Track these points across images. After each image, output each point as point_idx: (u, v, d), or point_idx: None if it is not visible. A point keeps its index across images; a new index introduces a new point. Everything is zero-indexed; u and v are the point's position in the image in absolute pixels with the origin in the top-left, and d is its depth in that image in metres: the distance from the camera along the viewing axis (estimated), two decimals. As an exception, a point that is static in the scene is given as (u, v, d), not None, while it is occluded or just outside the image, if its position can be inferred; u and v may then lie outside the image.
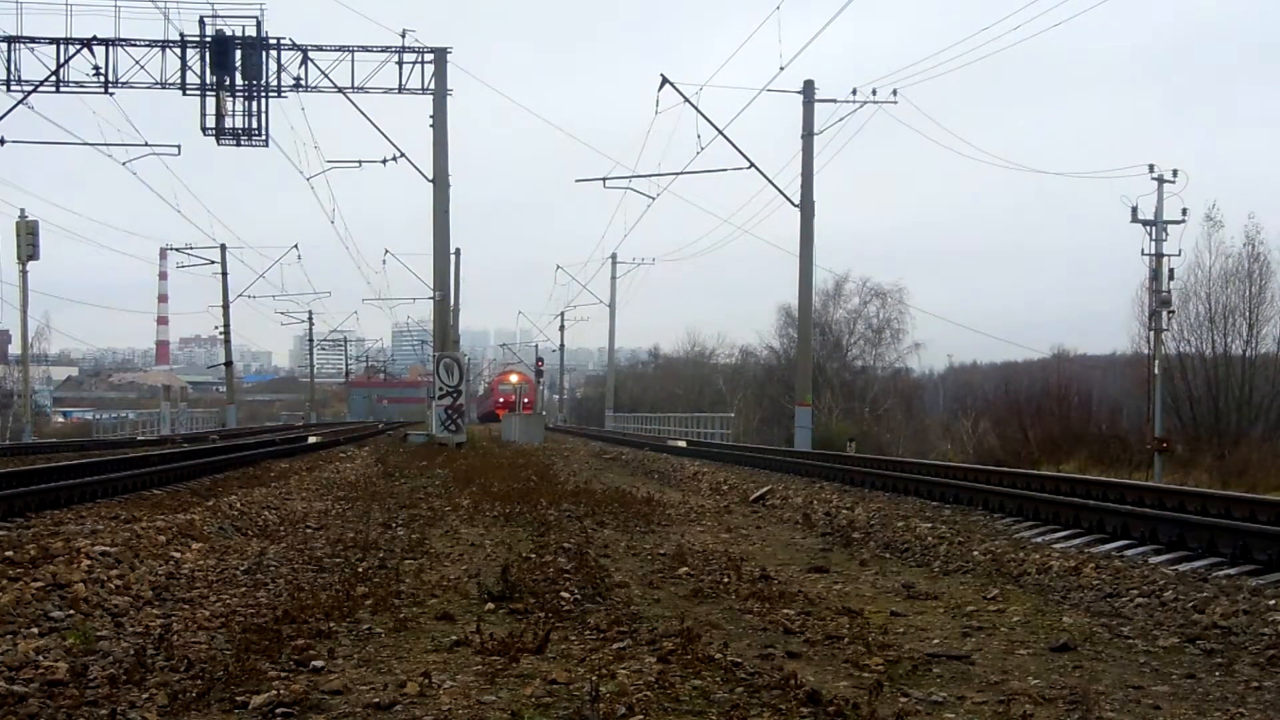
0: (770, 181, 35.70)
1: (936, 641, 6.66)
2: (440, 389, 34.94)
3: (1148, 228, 37.40)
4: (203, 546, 9.75)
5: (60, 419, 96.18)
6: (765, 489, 17.37)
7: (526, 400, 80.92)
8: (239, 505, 13.19)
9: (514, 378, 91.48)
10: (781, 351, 71.60)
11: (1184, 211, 37.58)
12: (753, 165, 35.22)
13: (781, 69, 31.98)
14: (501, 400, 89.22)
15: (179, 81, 33.11)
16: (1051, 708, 5.20)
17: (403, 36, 34.09)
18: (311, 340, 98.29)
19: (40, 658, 5.55)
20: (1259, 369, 43.24)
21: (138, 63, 33.02)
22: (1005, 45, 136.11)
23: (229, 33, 33.18)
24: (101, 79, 32.99)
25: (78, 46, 32.84)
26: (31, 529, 10.45)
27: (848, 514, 13.84)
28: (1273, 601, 7.71)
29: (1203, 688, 5.65)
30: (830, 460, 24.65)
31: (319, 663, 5.66)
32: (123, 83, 33.11)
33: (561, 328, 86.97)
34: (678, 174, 39.66)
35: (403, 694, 5.11)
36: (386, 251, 73.96)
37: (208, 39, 33.04)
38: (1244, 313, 43.75)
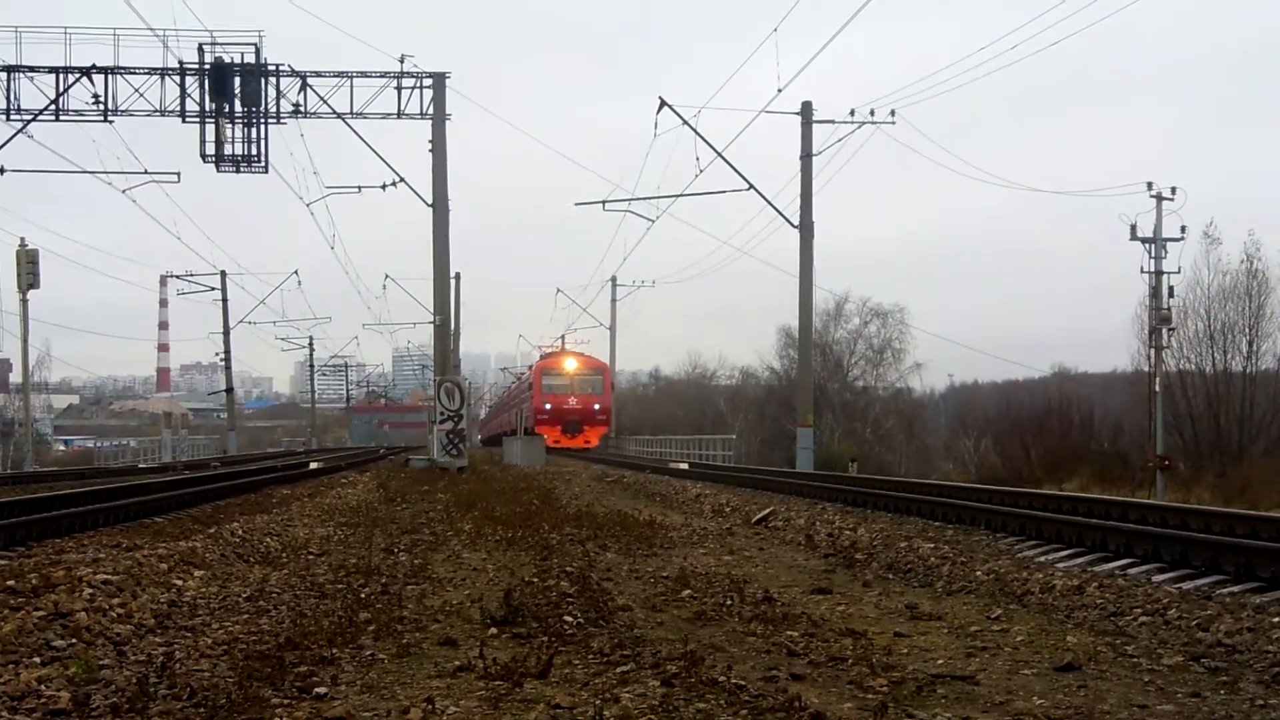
0: (769, 203, 35.79)
1: (941, 662, 6.65)
2: (441, 413, 34.95)
3: (1147, 245, 37.52)
4: (205, 574, 9.74)
5: (61, 447, 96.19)
6: (768, 510, 17.34)
7: (598, 406, 58.86)
8: (241, 532, 13.17)
9: (571, 362, 59.23)
10: (782, 372, 71.63)
11: (1183, 229, 37.74)
12: (752, 187, 35.32)
13: (779, 91, 32.16)
14: (549, 406, 56.48)
15: (178, 109, 33.26)
16: (1057, 728, 5.19)
17: (401, 62, 34.27)
18: (312, 366, 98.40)
19: (43, 687, 5.53)
20: (1259, 385, 43.31)
21: (137, 90, 33.17)
22: (1005, 64, 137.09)
23: (228, 60, 33.35)
24: (101, 107, 33.12)
25: (77, 75, 32.98)
26: (33, 558, 10.45)
27: (850, 535, 13.82)
28: (1277, 619, 7.69)
29: (1208, 706, 5.64)
30: (832, 481, 24.63)
31: (322, 689, 5.65)
32: (122, 110, 33.24)
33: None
34: (677, 196, 39.54)
35: (406, 720, 5.10)
36: (387, 277, 73.46)
37: (206, 66, 33.19)
38: (1243, 329, 43.91)
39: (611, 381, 62.98)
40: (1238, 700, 5.77)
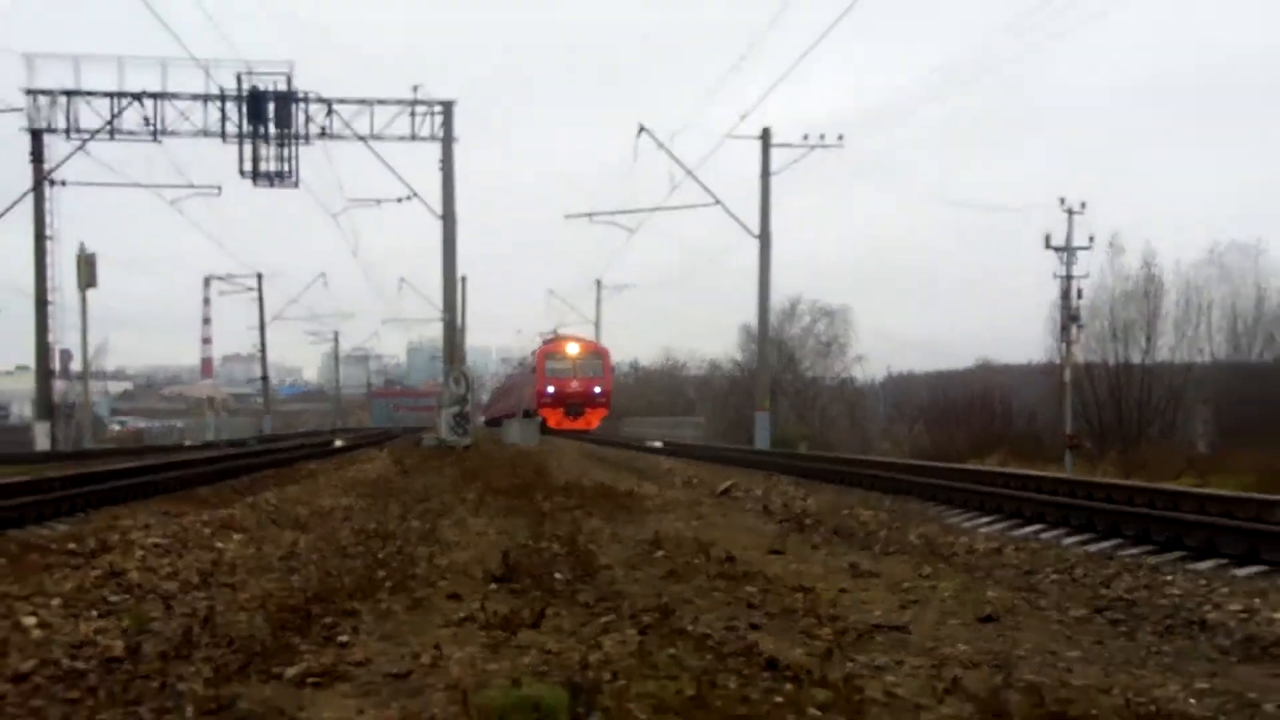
0: (733, 216, 35.81)
1: (879, 613, 6.67)
2: (450, 398, 34.91)
3: (1059, 254, 37.75)
4: (243, 537, 9.70)
5: (117, 427, 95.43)
6: (730, 482, 17.37)
7: (599, 389, 52.47)
8: (274, 501, 13.12)
9: (574, 346, 53.11)
10: (743, 364, 71.36)
11: (1091, 239, 38.07)
12: (718, 202, 35.37)
13: (742, 118, 32.22)
14: (552, 390, 50.87)
15: (219, 130, 33.14)
16: (978, 670, 5.21)
17: (414, 91, 34.22)
18: (337, 357, 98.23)
19: (99, 637, 5.50)
20: (1155, 376, 43.61)
21: (182, 114, 33.08)
22: (933, 96, 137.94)
23: (263, 87, 33.23)
24: (151, 128, 33.05)
25: (129, 100, 32.84)
26: (91, 524, 10.40)
27: (801, 504, 13.85)
28: (1170, 577, 7.77)
29: (1109, 652, 5.68)
30: (786, 458, 24.70)
31: (345, 638, 5.63)
32: (170, 131, 33.18)
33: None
34: (653, 210, 39.60)
35: (418, 664, 5.09)
36: (402, 280, 73.08)
37: (244, 93, 33.05)
38: (1142, 326, 44.24)
39: (611, 365, 57.12)
40: (1135, 647, 5.82)
